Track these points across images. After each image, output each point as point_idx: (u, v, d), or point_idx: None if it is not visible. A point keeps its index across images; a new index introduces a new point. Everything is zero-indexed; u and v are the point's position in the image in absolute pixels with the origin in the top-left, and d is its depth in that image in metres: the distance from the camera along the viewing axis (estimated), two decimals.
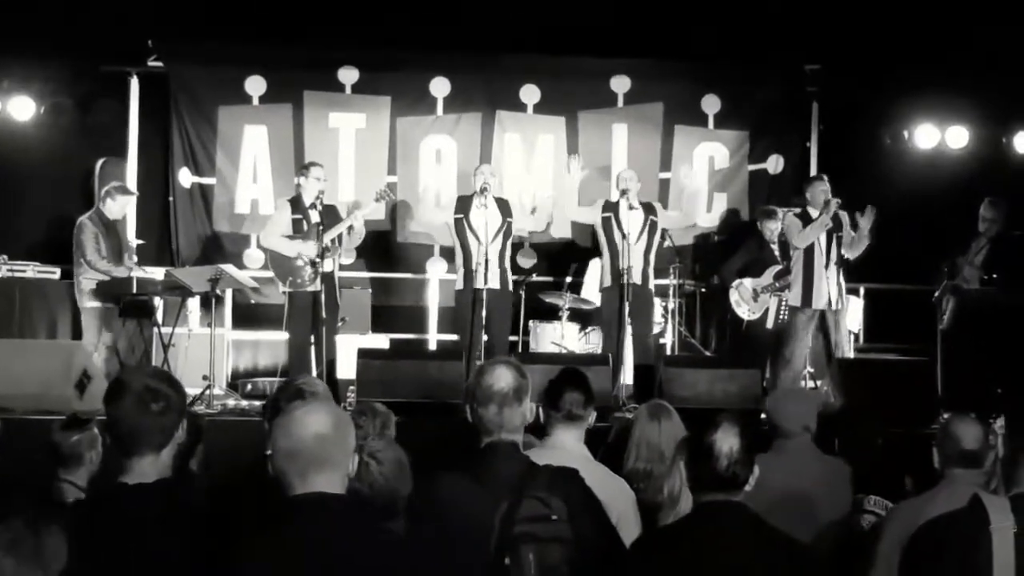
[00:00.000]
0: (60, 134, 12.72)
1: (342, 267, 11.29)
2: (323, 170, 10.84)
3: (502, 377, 4.35)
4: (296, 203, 10.76)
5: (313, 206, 10.57)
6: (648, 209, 11.06)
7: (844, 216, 11.02)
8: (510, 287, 11.06)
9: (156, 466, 3.82)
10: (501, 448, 4.31)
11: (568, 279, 13.03)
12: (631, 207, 10.89)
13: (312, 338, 10.56)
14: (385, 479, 4.38)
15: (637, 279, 10.83)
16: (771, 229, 12.31)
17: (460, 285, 10.93)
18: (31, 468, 6.03)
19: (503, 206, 10.92)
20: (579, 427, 5.04)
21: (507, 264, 10.98)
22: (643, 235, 10.93)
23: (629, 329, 10.88)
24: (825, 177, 11.20)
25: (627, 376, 10.91)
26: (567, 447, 4.93)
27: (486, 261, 10.58)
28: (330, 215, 10.63)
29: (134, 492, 3.77)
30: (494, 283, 10.68)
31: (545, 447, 4.92)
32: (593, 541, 4.15)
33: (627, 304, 10.73)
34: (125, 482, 3.81)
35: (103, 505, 3.84)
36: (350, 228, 10.63)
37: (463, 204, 10.94)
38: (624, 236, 10.76)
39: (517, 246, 11.29)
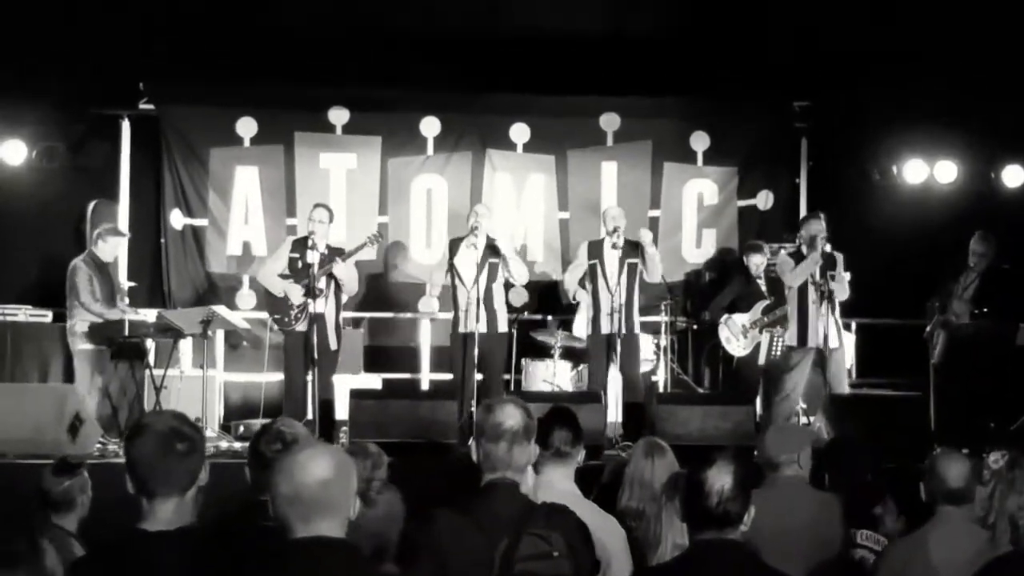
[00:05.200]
0: (52, 177, 12.74)
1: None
2: (324, 212, 10.74)
3: (512, 415, 4.33)
4: (299, 242, 10.78)
5: (306, 246, 10.55)
6: (628, 251, 10.96)
7: (839, 256, 10.99)
8: (501, 329, 10.99)
9: (180, 511, 3.78)
10: (502, 487, 4.29)
11: (560, 316, 13.02)
12: (614, 245, 10.86)
13: (309, 378, 10.54)
14: (373, 522, 4.37)
15: (622, 328, 10.79)
16: (756, 264, 12.36)
17: (451, 328, 10.97)
18: (24, 513, 6.01)
19: (491, 247, 10.88)
20: (568, 465, 5.04)
21: (497, 306, 10.90)
22: (621, 283, 10.87)
23: (616, 369, 10.89)
24: (820, 215, 11.15)
25: (617, 414, 10.91)
26: (555, 485, 4.93)
27: (477, 302, 10.56)
28: (333, 257, 10.60)
29: (157, 540, 3.72)
30: (482, 327, 10.61)
31: (534, 485, 4.90)
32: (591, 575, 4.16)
33: (614, 352, 10.75)
34: (145, 529, 3.76)
35: (122, 554, 3.76)
36: (331, 276, 10.59)
37: (454, 248, 10.95)
38: (607, 286, 10.78)
39: (509, 284, 11.26)
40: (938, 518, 5.19)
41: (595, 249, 11.06)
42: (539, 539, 3.99)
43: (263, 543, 3.64)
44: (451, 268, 10.87)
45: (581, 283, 11.22)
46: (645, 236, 10.96)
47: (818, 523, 5.77)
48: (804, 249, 10.99)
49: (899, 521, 5.90)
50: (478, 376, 10.66)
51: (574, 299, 11.68)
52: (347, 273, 10.65)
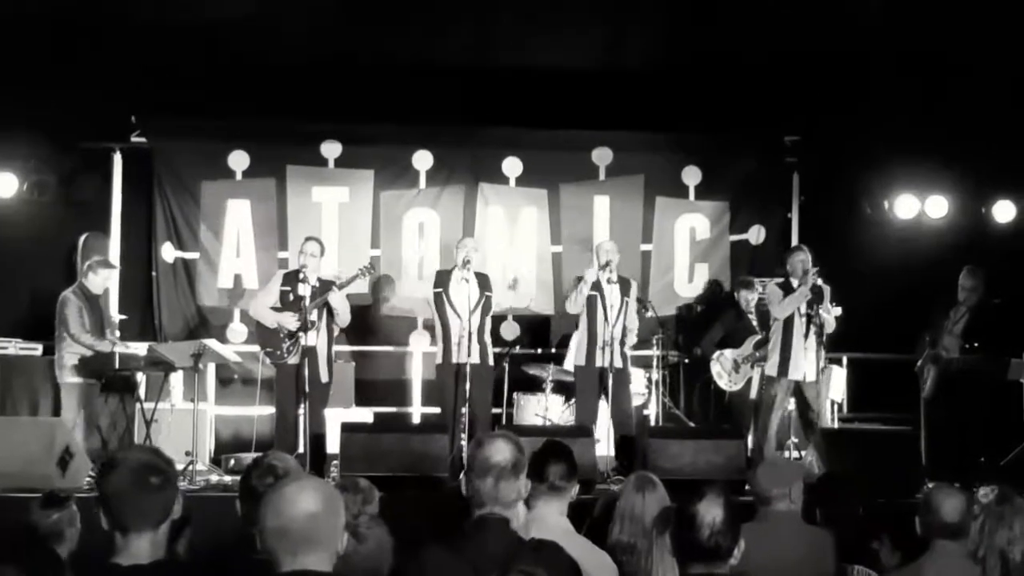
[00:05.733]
0: (43, 210, 12.71)
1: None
2: (315, 245, 10.71)
3: (500, 450, 4.31)
4: (289, 276, 10.76)
5: (297, 279, 10.52)
6: (624, 288, 11.01)
7: (826, 289, 11.01)
8: (490, 361, 11.02)
9: (153, 545, 3.78)
10: (491, 522, 4.26)
11: (552, 350, 13.03)
12: (610, 280, 10.87)
13: (300, 412, 10.49)
14: (362, 558, 4.35)
15: (618, 362, 10.79)
16: (748, 299, 12.38)
17: (440, 359, 10.94)
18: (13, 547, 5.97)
19: (483, 281, 10.91)
20: (562, 499, 5.03)
21: (487, 338, 10.95)
22: (619, 319, 10.90)
23: (606, 404, 10.87)
24: (805, 248, 11.23)
25: (609, 448, 10.89)
26: (548, 520, 4.91)
27: (469, 335, 10.55)
28: (324, 290, 10.59)
29: (130, 575, 3.70)
30: (474, 358, 10.60)
31: (527, 520, 4.87)
32: None
33: (605, 385, 10.73)
34: (118, 563, 3.75)
35: None
36: (326, 305, 10.57)
37: (442, 278, 10.94)
38: (606, 319, 10.77)
39: (500, 318, 11.26)
40: (934, 552, 5.17)
41: (594, 283, 11.05)
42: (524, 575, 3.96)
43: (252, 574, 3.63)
44: (439, 299, 10.85)
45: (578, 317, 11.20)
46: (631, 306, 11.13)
47: (811, 558, 5.76)
48: (793, 281, 11.02)
49: (895, 556, 5.90)
50: (465, 410, 10.63)
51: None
52: (342, 303, 10.64)
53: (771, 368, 11.13)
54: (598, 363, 10.83)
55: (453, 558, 4.15)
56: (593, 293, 10.95)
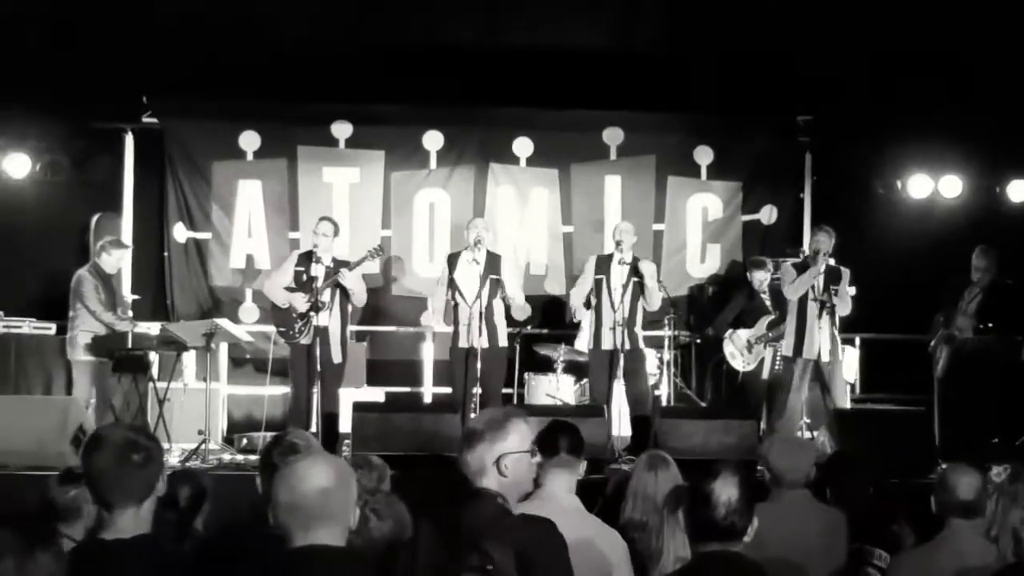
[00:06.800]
0: (56, 191, 12.79)
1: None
2: (329, 225, 10.69)
3: (473, 421, 4.26)
4: (303, 256, 10.77)
5: (311, 259, 10.54)
6: (635, 269, 10.91)
7: (845, 272, 10.97)
8: (501, 343, 10.91)
9: (137, 520, 3.81)
10: (479, 495, 4.17)
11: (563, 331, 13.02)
12: (621, 261, 10.84)
13: (313, 391, 10.50)
14: (382, 534, 4.35)
15: (627, 344, 10.74)
16: (760, 279, 12.33)
17: (451, 342, 10.95)
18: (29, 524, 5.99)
19: (492, 261, 10.80)
20: (571, 474, 5.02)
21: (496, 320, 10.82)
22: (625, 299, 10.80)
23: (622, 384, 10.85)
24: (825, 228, 11.03)
25: (623, 428, 10.88)
26: (558, 498, 4.90)
27: (479, 317, 10.51)
28: (337, 271, 10.57)
29: (112, 549, 3.73)
30: (483, 341, 10.55)
31: (536, 498, 4.82)
32: None
33: (616, 367, 10.72)
34: (103, 538, 3.78)
35: (81, 565, 3.76)
36: (338, 286, 10.54)
37: (452, 261, 10.92)
38: (611, 301, 10.75)
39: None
40: (949, 531, 5.16)
41: (603, 264, 11.01)
42: (481, 555, 3.89)
43: (266, 550, 3.64)
44: (451, 283, 10.83)
45: (587, 302, 11.14)
46: (647, 268, 10.94)
47: (824, 537, 5.75)
48: (810, 261, 10.98)
49: (911, 536, 5.89)
50: (478, 390, 10.63)
51: (574, 318, 11.71)
52: (356, 284, 10.63)
53: (787, 349, 11.11)
54: (606, 345, 10.80)
55: (436, 531, 4.07)
56: (599, 276, 10.93)
